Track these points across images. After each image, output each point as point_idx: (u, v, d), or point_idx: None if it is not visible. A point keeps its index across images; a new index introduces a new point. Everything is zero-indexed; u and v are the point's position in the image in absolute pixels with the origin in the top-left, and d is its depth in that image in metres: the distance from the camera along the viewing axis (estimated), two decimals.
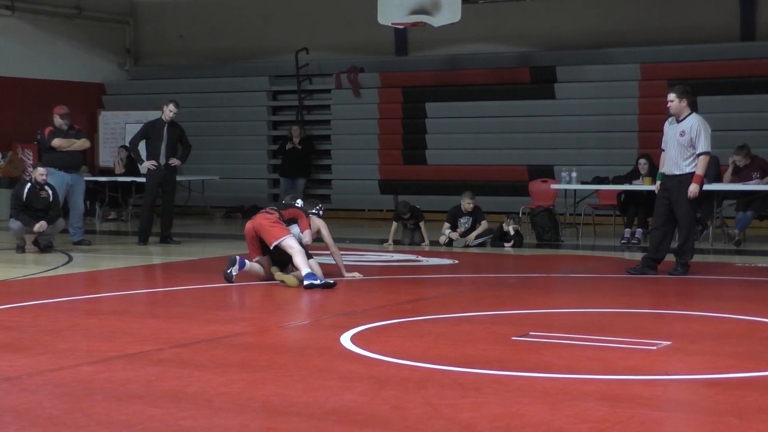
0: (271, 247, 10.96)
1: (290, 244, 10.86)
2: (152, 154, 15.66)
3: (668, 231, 11.98)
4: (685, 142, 11.56)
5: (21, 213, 14.45)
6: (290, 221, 11.24)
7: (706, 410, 5.73)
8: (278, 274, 10.95)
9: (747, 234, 15.76)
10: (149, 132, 15.66)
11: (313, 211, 11.70)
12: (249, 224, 11.19)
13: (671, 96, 11.63)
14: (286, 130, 21.85)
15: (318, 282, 10.59)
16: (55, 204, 14.74)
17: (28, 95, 21.96)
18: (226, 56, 23.88)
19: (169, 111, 15.57)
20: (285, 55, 22.85)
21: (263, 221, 11.05)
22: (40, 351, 7.38)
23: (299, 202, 11.77)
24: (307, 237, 11.24)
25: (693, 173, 11.59)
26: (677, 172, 11.65)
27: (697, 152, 11.55)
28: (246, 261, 11.09)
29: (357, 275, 11.64)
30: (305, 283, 10.59)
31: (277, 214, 11.11)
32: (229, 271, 10.98)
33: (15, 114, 21.74)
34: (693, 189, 11.56)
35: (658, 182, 11.97)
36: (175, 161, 15.75)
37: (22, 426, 5.42)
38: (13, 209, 14.65)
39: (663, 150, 11.90)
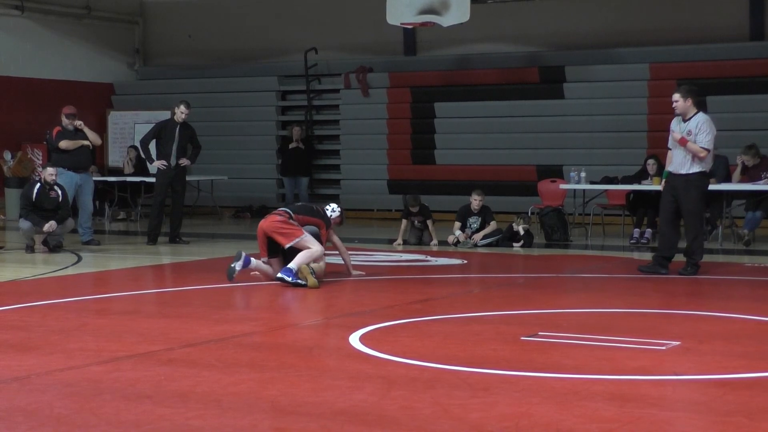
0: (286, 248, 11.01)
1: (307, 240, 10.94)
2: (163, 154, 15.67)
3: (675, 228, 12.02)
4: (691, 141, 11.57)
5: (30, 213, 14.47)
6: (305, 226, 11.27)
7: (716, 410, 5.72)
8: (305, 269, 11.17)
9: (756, 234, 15.73)
10: (161, 132, 15.67)
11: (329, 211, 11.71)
12: (261, 225, 11.25)
13: (676, 96, 11.66)
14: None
15: (289, 279, 10.73)
16: (64, 204, 14.76)
17: (38, 95, 22.00)
18: (235, 56, 23.90)
19: (180, 112, 15.58)
20: (294, 55, 22.85)
21: (273, 223, 11.09)
22: (50, 351, 7.40)
23: (332, 209, 11.67)
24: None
25: (699, 172, 11.61)
26: (683, 171, 11.66)
27: (700, 146, 11.55)
28: (252, 258, 11.15)
29: (362, 273, 11.91)
30: (278, 275, 10.84)
31: (287, 216, 11.14)
32: (232, 266, 11.08)
33: (24, 114, 21.78)
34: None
35: (664, 180, 11.99)
36: (184, 161, 15.77)
37: (32, 425, 5.43)
38: (22, 209, 14.68)
39: (670, 149, 11.93)
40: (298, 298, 10.29)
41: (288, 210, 11.31)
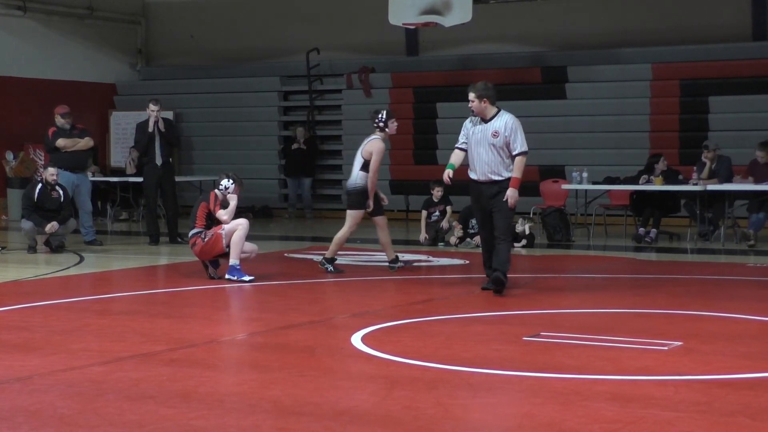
0: (225, 249, 11.29)
1: (228, 229, 11.20)
2: (148, 156, 15.76)
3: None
4: (499, 143, 10.59)
5: (32, 213, 14.48)
6: (217, 216, 11.41)
7: (718, 411, 5.72)
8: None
9: (759, 234, 15.70)
10: (143, 135, 15.77)
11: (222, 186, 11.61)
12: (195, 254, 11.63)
13: (471, 96, 10.59)
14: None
15: (234, 278, 11.09)
16: (66, 204, 14.77)
17: (40, 96, 21.98)
18: (238, 56, 23.90)
19: (152, 111, 15.70)
20: (296, 55, 22.86)
21: (201, 253, 11.43)
22: (52, 351, 7.40)
23: (224, 186, 11.55)
24: (225, 216, 11.42)
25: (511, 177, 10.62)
26: (496, 178, 10.61)
27: (516, 152, 10.64)
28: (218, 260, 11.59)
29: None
30: (226, 276, 11.19)
31: (196, 238, 11.38)
32: (209, 271, 11.57)
33: (27, 114, 21.77)
34: (512, 194, 10.56)
35: (449, 170, 10.87)
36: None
37: (34, 426, 5.44)
38: (24, 210, 14.69)
39: (458, 148, 11.02)
40: (300, 299, 10.29)
41: (194, 230, 11.41)
